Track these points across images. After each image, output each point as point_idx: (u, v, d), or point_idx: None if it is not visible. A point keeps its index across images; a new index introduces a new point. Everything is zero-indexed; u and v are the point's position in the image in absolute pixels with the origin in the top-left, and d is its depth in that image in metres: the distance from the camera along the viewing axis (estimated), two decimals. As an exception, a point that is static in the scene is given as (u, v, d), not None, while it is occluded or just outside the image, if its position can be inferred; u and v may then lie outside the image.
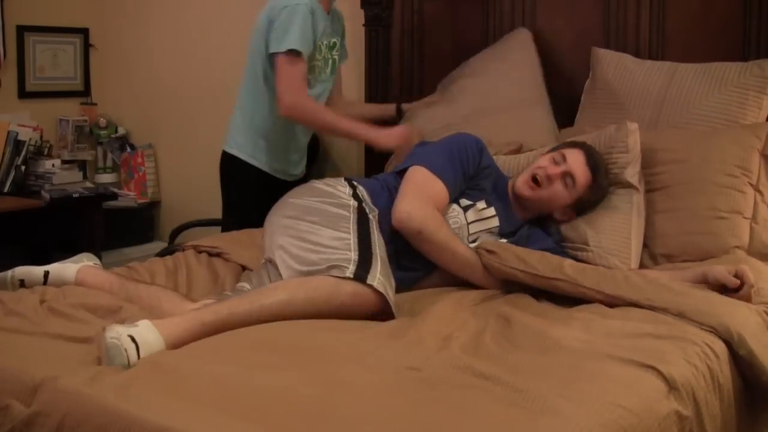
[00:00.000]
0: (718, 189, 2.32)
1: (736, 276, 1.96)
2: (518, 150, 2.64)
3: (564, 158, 2.30)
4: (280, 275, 1.96)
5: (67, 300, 1.95)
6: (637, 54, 2.75)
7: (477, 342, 1.70)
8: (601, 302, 1.91)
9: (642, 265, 2.30)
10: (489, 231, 2.27)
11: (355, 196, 2.17)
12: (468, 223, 2.24)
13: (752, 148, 2.36)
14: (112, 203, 3.92)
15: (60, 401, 1.42)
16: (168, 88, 4.14)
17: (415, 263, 2.15)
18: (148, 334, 1.61)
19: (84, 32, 4.28)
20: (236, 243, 2.48)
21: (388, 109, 3.11)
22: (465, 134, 2.37)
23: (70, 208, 3.75)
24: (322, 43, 2.80)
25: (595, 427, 1.31)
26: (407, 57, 3.23)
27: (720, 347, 1.73)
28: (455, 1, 3.14)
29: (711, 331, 1.75)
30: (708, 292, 1.97)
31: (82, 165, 4.11)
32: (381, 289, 1.82)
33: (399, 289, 2.05)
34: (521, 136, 2.71)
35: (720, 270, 2.00)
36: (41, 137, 3.92)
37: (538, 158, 2.38)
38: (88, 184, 3.94)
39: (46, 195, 3.66)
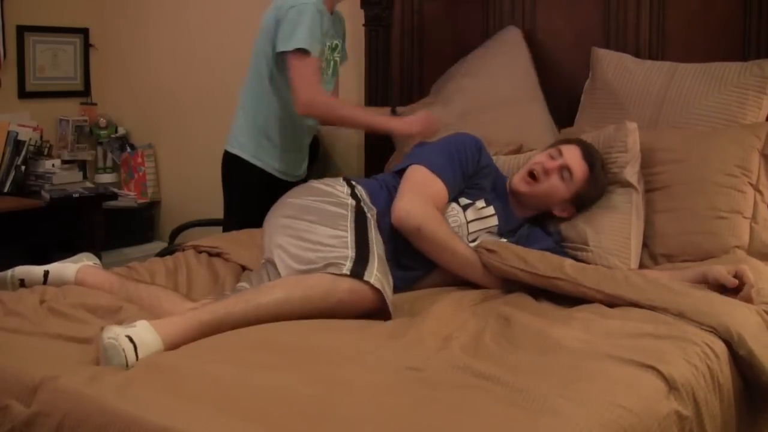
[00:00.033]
0: (718, 189, 2.32)
1: (735, 276, 1.96)
2: (518, 150, 2.65)
3: (560, 153, 2.30)
4: (280, 275, 1.96)
5: (66, 300, 1.95)
6: (637, 54, 2.75)
7: (477, 342, 1.70)
8: (601, 302, 1.91)
9: (642, 265, 2.30)
10: (488, 230, 2.27)
11: (354, 195, 2.17)
12: (467, 222, 2.24)
13: (752, 147, 2.36)
14: (112, 203, 3.93)
15: (60, 401, 1.42)
16: (168, 88, 4.14)
17: (415, 262, 2.15)
18: (145, 334, 1.62)
19: (84, 32, 4.28)
20: (236, 243, 2.48)
21: (383, 111, 3.12)
22: (464, 134, 2.37)
23: (70, 208, 3.75)
24: (325, 44, 2.80)
25: (595, 427, 1.31)
26: (407, 57, 3.23)
27: (720, 347, 1.72)
28: (455, 1, 3.14)
29: (711, 331, 1.75)
30: (708, 292, 1.97)
31: (82, 165, 4.11)
32: (378, 286, 1.82)
33: (399, 288, 2.05)
34: (518, 132, 2.72)
35: (719, 270, 2.00)
36: (41, 137, 3.92)
37: (535, 155, 2.39)
38: (88, 184, 3.94)
39: (46, 195, 3.66)
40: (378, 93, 3.24)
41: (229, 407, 1.34)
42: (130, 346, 1.57)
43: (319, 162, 3.38)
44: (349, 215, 2.06)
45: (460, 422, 1.31)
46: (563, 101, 2.84)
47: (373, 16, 3.23)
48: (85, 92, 4.32)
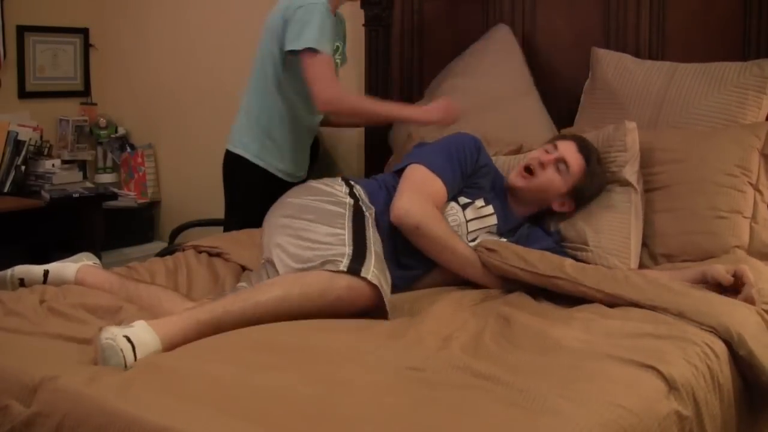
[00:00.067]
0: (718, 188, 2.32)
1: (735, 276, 1.96)
2: (518, 150, 2.65)
3: (556, 147, 2.32)
4: (279, 274, 1.96)
5: (66, 300, 1.95)
6: (637, 54, 2.75)
7: (477, 342, 1.70)
8: (601, 302, 1.91)
9: (642, 265, 2.30)
10: (487, 229, 2.27)
11: (352, 194, 2.17)
12: (467, 221, 2.24)
13: (752, 147, 2.36)
14: (112, 203, 3.92)
15: (60, 401, 1.42)
16: (168, 88, 4.14)
17: (415, 261, 2.15)
18: (144, 334, 1.62)
19: (84, 32, 4.28)
20: (236, 243, 2.48)
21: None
22: (462, 134, 2.38)
23: (70, 208, 3.75)
24: (333, 44, 2.80)
25: (595, 427, 1.31)
26: (407, 57, 3.23)
27: (720, 347, 1.73)
28: (455, 1, 3.14)
29: (711, 331, 1.75)
30: (708, 292, 1.97)
31: (82, 165, 4.11)
32: (375, 282, 1.82)
33: (398, 287, 2.05)
34: (516, 129, 2.73)
35: (718, 268, 2.00)
36: (41, 137, 3.92)
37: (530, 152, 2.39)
38: (88, 184, 3.94)
39: (46, 195, 3.66)
40: (378, 93, 3.24)
41: (229, 407, 1.34)
42: (128, 346, 1.57)
43: (320, 162, 3.38)
44: (347, 213, 2.06)
45: (460, 422, 1.31)
46: (563, 101, 2.85)
47: (373, 16, 3.23)
48: (85, 92, 4.32)
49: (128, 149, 4.25)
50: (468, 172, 2.28)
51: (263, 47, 2.82)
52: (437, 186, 2.20)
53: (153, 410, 1.34)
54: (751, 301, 1.91)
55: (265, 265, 2.10)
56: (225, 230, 2.95)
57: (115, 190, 4.03)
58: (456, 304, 1.94)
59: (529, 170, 2.30)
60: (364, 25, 3.26)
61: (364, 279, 1.82)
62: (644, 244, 2.34)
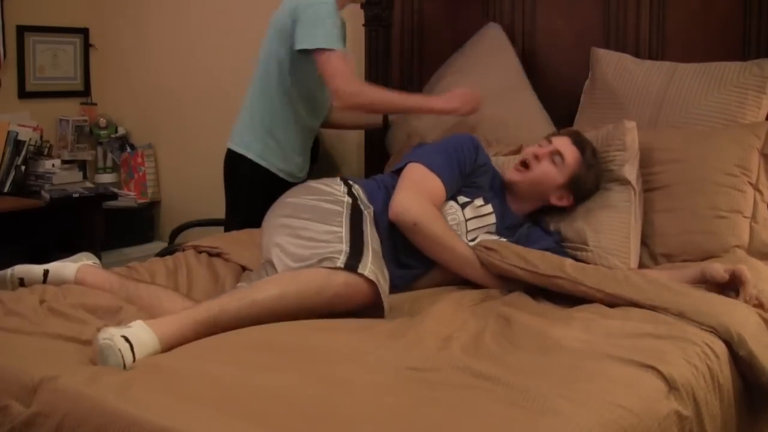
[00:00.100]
0: (718, 188, 2.32)
1: (733, 276, 1.96)
2: (518, 150, 2.64)
3: (550, 142, 2.34)
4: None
5: (66, 300, 1.95)
6: (636, 54, 2.75)
7: (477, 342, 1.70)
8: (602, 301, 1.91)
9: (642, 265, 2.30)
10: (487, 228, 2.27)
11: (350, 193, 2.18)
12: (466, 220, 2.25)
13: (751, 147, 2.36)
14: (112, 203, 3.92)
15: (59, 401, 1.42)
16: (168, 88, 4.14)
17: (414, 260, 2.16)
18: (142, 333, 1.62)
19: (84, 32, 4.28)
20: (236, 243, 2.48)
21: (376, 118, 3.15)
22: (460, 134, 2.40)
23: (70, 208, 3.75)
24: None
25: (595, 427, 1.31)
26: (407, 57, 3.23)
27: (720, 347, 1.73)
28: (455, 1, 3.13)
29: (711, 331, 1.75)
30: (708, 292, 1.97)
31: (82, 165, 4.11)
32: (372, 278, 1.82)
33: (398, 287, 2.06)
34: (514, 126, 2.75)
35: (716, 267, 2.00)
36: (41, 137, 3.92)
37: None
38: (88, 184, 3.94)
39: (46, 195, 3.66)
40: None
41: (229, 407, 1.34)
42: (126, 346, 1.57)
43: (320, 162, 3.38)
44: (345, 212, 2.07)
45: (460, 422, 1.31)
46: (563, 101, 2.84)
47: (373, 16, 3.23)
48: (85, 92, 4.32)
49: (128, 149, 4.25)
50: (466, 172, 2.29)
51: (268, 47, 2.82)
52: (436, 184, 2.20)
53: (153, 410, 1.34)
54: (752, 300, 1.91)
55: (264, 265, 2.10)
56: (226, 230, 2.95)
57: (115, 190, 4.03)
58: (456, 304, 1.94)
59: (525, 164, 2.31)
60: (364, 25, 3.26)
61: (362, 275, 1.82)
62: (644, 244, 2.34)
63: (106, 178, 4.26)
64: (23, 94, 4.08)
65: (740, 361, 1.74)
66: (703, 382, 1.61)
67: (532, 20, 2.98)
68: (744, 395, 1.76)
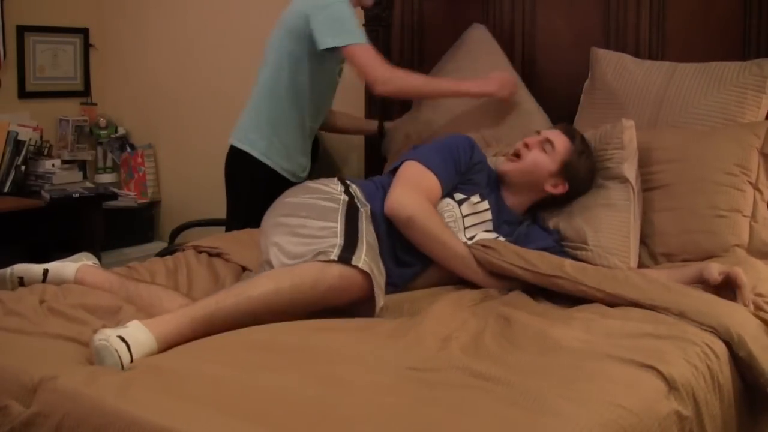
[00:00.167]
0: (718, 188, 2.32)
1: (728, 278, 1.95)
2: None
3: (539, 133, 2.37)
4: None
5: (66, 300, 1.95)
6: (636, 54, 2.75)
7: (477, 342, 1.70)
8: (602, 301, 1.91)
9: (641, 264, 2.30)
10: (485, 225, 2.28)
11: (347, 192, 2.18)
12: (463, 217, 2.25)
13: (751, 146, 2.36)
14: (112, 203, 3.92)
15: (59, 401, 1.42)
16: (168, 88, 4.14)
17: (412, 258, 2.16)
18: (138, 333, 1.62)
19: (84, 32, 4.28)
20: (236, 243, 2.48)
21: (371, 124, 3.17)
22: (456, 135, 2.41)
23: (70, 208, 3.75)
24: None
25: (595, 427, 1.31)
26: (407, 57, 3.23)
27: (720, 348, 1.73)
28: (455, 1, 3.13)
29: (711, 332, 1.75)
30: (707, 293, 1.97)
31: (82, 165, 4.11)
32: (366, 269, 1.82)
33: (397, 285, 2.07)
34: (511, 122, 2.77)
35: (711, 269, 2.00)
36: (41, 137, 3.92)
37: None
38: (88, 184, 3.94)
39: (46, 195, 3.66)
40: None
41: (229, 407, 1.34)
42: (123, 346, 1.57)
43: (319, 162, 3.39)
44: (341, 209, 2.07)
45: (460, 422, 1.31)
46: (563, 101, 2.84)
47: (373, 16, 3.23)
48: (85, 92, 4.32)
49: (128, 149, 4.26)
50: (462, 170, 2.30)
51: (279, 47, 2.83)
52: (431, 181, 2.21)
53: (153, 410, 1.34)
54: (749, 305, 1.91)
55: (263, 265, 2.10)
56: (227, 228, 2.96)
57: (115, 190, 4.03)
58: (456, 304, 1.94)
59: (516, 155, 2.34)
60: (364, 24, 3.25)
61: (356, 267, 1.82)
62: (644, 244, 2.34)
63: (106, 178, 4.26)
64: (23, 94, 4.08)
65: (740, 362, 1.74)
66: (703, 382, 1.61)
67: (532, 20, 2.98)
68: (744, 395, 1.76)
